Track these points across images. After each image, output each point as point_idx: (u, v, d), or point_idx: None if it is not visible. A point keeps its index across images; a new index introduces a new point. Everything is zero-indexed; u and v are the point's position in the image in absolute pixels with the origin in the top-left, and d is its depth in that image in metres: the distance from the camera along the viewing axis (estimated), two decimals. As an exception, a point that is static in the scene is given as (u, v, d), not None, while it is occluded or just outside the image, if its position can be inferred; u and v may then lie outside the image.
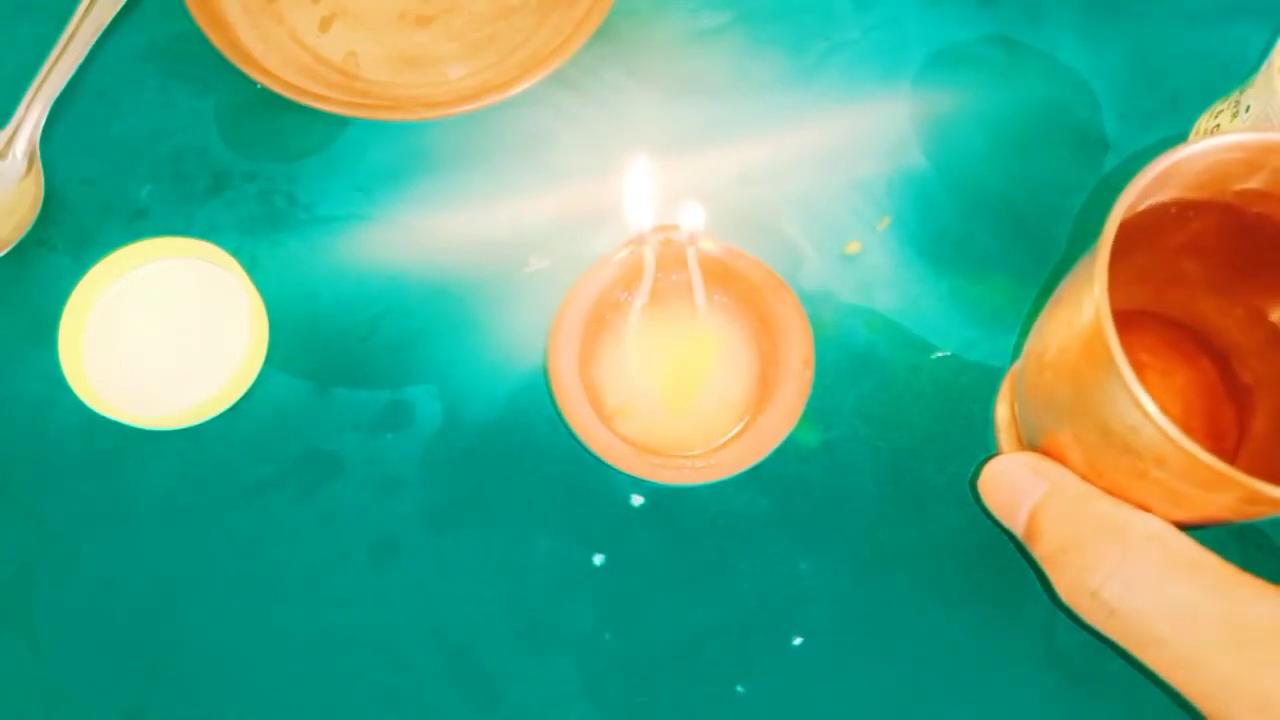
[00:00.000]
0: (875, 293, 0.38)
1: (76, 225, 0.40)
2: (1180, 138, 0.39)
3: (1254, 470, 0.23)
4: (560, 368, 0.34)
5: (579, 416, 0.34)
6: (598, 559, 0.35)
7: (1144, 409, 0.23)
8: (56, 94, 0.41)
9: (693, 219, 0.34)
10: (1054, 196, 0.40)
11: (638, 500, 0.36)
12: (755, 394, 0.36)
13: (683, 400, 0.36)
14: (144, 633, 0.35)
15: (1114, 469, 0.26)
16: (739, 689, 0.34)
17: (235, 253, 0.38)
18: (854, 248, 0.39)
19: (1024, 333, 0.37)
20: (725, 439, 0.35)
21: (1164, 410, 0.23)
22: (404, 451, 0.37)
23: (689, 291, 0.36)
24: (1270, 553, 0.35)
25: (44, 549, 0.36)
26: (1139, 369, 0.24)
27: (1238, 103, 0.35)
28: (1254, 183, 0.27)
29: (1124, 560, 0.26)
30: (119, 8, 0.42)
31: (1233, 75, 0.38)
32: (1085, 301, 0.25)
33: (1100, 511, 0.27)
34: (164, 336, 0.38)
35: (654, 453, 0.34)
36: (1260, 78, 0.34)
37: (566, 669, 0.34)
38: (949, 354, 0.37)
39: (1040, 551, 0.28)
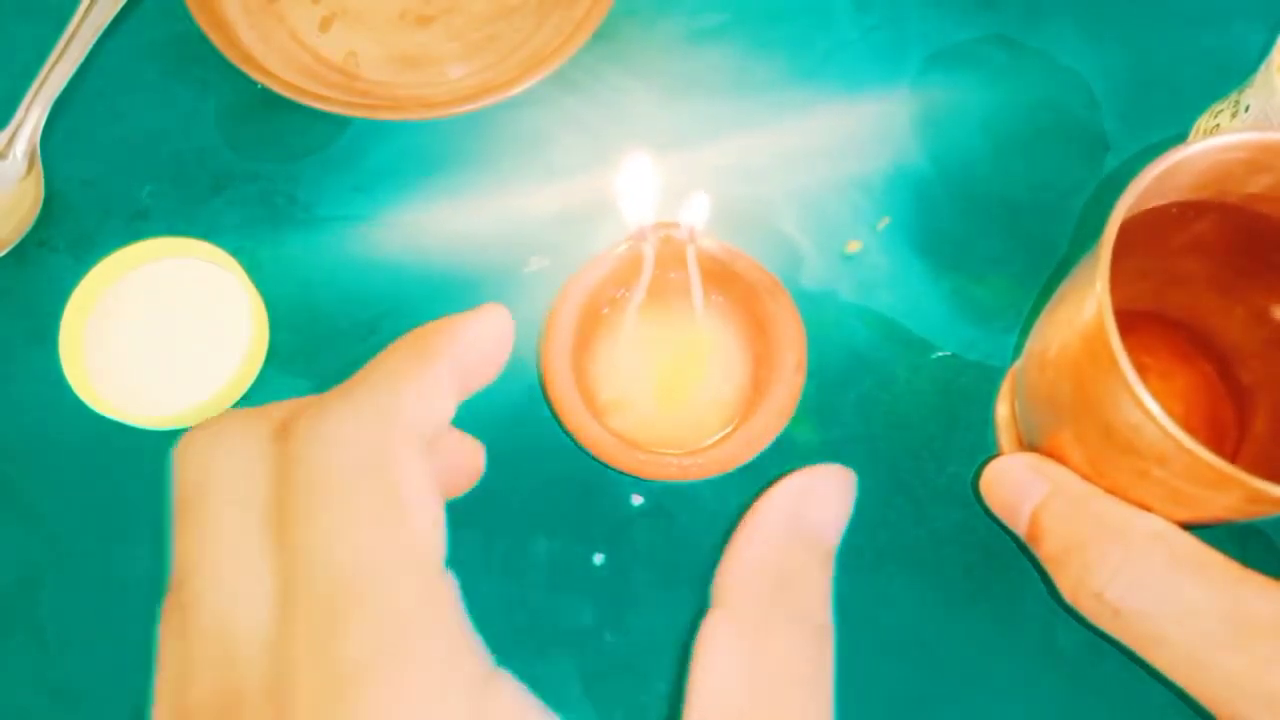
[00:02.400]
0: (875, 292, 0.38)
1: (76, 225, 0.40)
2: (1180, 137, 0.39)
3: (1255, 470, 0.23)
4: (553, 359, 0.34)
5: (569, 408, 0.34)
6: (598, 559, 0.35)
7: (1146, 409, 0.23)
8: (56, 94, 0.41)
9: (695, 212, 0.34)
10: (1054, 196, 0.40)
11: (638, 500, 0.36)
12: (747, 395, 0.36)
13: (675, 398, 0.36)
14: (149, 631, 0.35)
15: (1116, 469, 0.26)
16: (739, 689, 0.34)
17: (235, 253, 0.38)
18: (854, 247, 0.39)
19: (1024, 333, 0.37)
20: (715, 438, 0.35)
21: (1165, 410, 0.23)
22: (404, 451, 0.37)
23: (686, 290, 0.36)
24: (1271, 552, 0.35)
25: (45, 549, 0.36)
26: (1140, 369, 0.24)
27: (1237, 102, 0.35)
28: (1256, 185, 0.27)
29: (1127, 560, 0.26)
30: (119, 8, 0.42)
31: (1232, 75, 0.38)
32: (1087, 301, 0.25)
33: (1102, 511, 0.27)
34: (164, 336, 0.38)
35: (642, 449, 0.34)
36: (1260, 77, 0.34)
37: (566, 669, 0.34)
38: (949, 354, 0.37)
39: (1043, 552, 0.28)
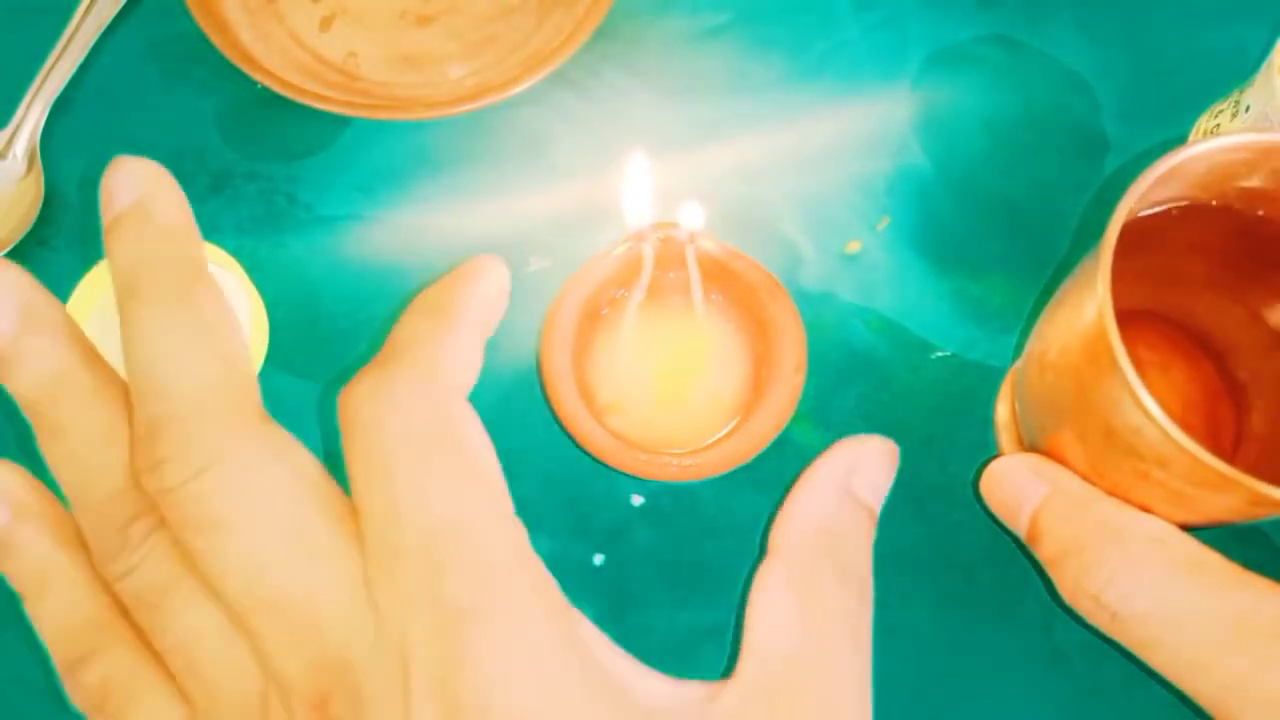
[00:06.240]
0: (875, 293, 0.38)
1: (76, 225, 0.40)
2: (1180, 138, 0.39)
3: (1252, 469, 0.23)
4: (553, 359, 0.34)
5: (569, 408, 0.34)
6: (598, 559, 0.35)
7: (1147, 410, 0.23)
8: (57, 94, 0.41)
9: (692, 217, 0.34)
10: (1054, 196, 0.40)
11: (638, 500, 0.36)
12: (746, 396, 0.36)
13: (674, 398, 0.36)
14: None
15: (1116, 470, 0.26)
16: (739, 689, 0.34)
17: (235, 253, 0.38)
18: (854, 247, 0.39)
19: (1024, 333, 0.37)
20: (714, 439, 0.35)
21: (1163, 409, 0.23)
22: (404, 451, 0.37)
23: (686, 290, 0.36)
24: (1270, 553, 0.35)
25: (44, 549, 0.36)
26: (1138, 367, 0.24)
27: (1237, 103, 0.35)
28: (1255, 181, 0.27)
29: (1125, 563, 0.26)
30: (119, 7, 0.42)
31: (1233, 75, 0.38)
32: (1087, 303, 0.25)
33: (1101, 513, 0.27)
34: (164, 336, 0.38)
35: (641, 449, 0.34)
36: (1260, 78, 0.34)
37: (567, 669, 0.34)
38: (949, 354, 0.37)
39: (1043, 553, 0.28)
